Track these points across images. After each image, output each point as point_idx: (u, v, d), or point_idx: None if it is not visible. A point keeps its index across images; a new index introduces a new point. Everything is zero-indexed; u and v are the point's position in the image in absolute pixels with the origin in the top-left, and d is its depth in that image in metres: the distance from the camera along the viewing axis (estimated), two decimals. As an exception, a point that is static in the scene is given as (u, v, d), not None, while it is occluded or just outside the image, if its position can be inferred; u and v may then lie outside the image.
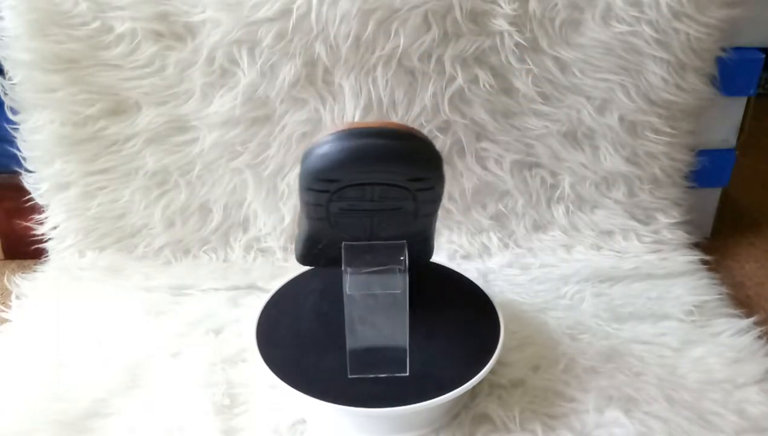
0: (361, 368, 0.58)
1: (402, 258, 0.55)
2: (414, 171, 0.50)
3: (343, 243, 0.56)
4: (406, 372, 0.57)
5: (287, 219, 0.83)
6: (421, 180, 0.51)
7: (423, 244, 0.62)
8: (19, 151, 0.80)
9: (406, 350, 0.56)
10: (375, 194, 0.52)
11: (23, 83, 0.76)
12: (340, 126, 0.49)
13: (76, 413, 0.60)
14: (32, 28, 0.73)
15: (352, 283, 0.55)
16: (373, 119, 0.79)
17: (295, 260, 0.65)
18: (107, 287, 0.77)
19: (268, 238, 0.84)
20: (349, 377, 0.57)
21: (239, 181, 0.82)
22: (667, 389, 0.63)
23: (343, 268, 0.55)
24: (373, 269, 0.56)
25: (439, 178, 0.52)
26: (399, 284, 0.54)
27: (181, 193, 0.82)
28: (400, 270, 0.54)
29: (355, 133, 0.48)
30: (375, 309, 0.56)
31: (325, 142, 0.49)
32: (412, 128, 0.50)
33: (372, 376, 0.57)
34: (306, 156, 0.50)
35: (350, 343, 0.57)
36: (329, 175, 0.50)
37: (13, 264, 0.88)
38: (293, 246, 0.84)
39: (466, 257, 0.84)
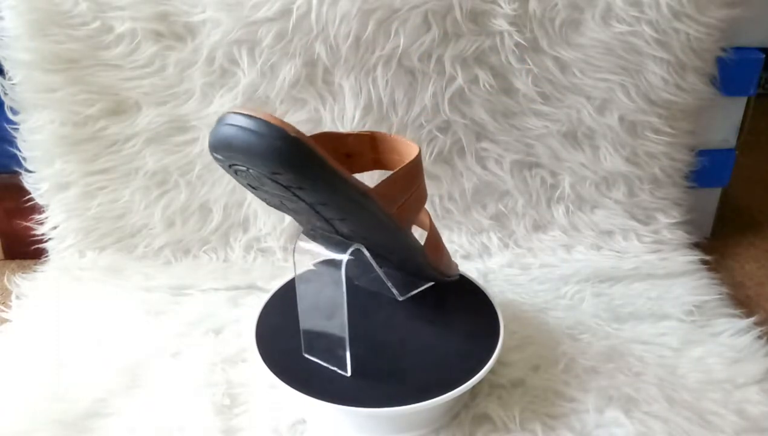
0: (312, 350, 0.59)
1: (342, 257, 0.54)
2: (267, 165, 0.47)
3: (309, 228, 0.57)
4: (347, 372, 0.57)
5: (287, 219, 0.83)
6: (281, 175, 0.47)
7: (405, 253, 0.59)
8: (19, 151, 0.80)
9: (345, 346, 0.56)
10: (258, 179, 0.50)
11: (23, 83, 0.76)
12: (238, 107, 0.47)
13: (76, 413, 0.60)
14: (32, 28, 0.73)
15: (298, 263, 0.56)
16: (372, 120, 0.79)
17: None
18: (107, 287, 0.77)
19: (268, 238, 0.84)
20: (303, 355, 0.59)
21: (239, 181, 0.82)
22: (667, 389, 0.63)
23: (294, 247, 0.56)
24: (317, 255, 0.56)
25: (309, 182, 0.48)
26: (332, 279, 0.54)
27: (181, 193, 0.82)
28: (336, 266, 0.54)
29: (228, 117, 0.46)
30: (319, 295, 0.56)
31: (219, 119, 0.47)
32: (284, 123, 0.46)
33: (323, 364, 0.58)
34: None
35: (300, 321, 0.58)
36: (213, 151, 0.48)
37: (13, 264, 0.88)
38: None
39: (466, 257, 0.84)
